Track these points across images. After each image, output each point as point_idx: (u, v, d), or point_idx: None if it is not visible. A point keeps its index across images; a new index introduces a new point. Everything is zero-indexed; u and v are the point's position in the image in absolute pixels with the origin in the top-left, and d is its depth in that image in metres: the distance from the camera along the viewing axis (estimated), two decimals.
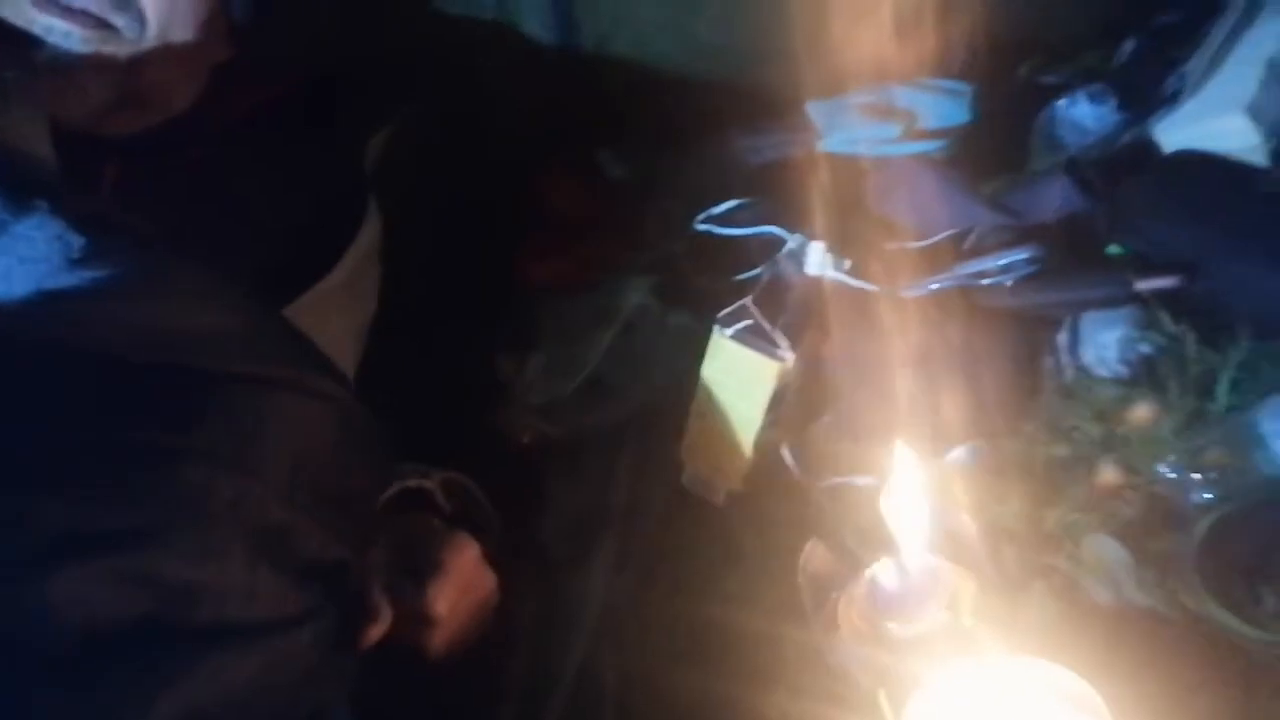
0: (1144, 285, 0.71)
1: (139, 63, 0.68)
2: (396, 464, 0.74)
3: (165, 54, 0.69)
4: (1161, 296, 0.71)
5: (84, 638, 0.46)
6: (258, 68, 0.80)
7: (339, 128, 0.88)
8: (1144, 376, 0.66)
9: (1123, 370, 0.70)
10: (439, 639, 0.66)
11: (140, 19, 0.67)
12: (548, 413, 0.93)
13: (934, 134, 1.03)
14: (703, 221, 0.97)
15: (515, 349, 0.97)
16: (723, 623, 0.71)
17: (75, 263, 0.55)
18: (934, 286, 0.80)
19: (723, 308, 0.85)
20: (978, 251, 0.80)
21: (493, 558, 0.71)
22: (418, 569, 0.65)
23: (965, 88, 1.06)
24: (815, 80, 1.09)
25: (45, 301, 0.54)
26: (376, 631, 0.61)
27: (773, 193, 0.99)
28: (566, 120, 1.12)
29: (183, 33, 0.70)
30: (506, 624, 0.71)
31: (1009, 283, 0.77)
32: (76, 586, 0.46)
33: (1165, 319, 0.68)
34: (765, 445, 0.80)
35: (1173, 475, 0.60)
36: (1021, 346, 0.75)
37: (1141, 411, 0.60)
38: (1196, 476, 0.59)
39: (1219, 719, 0.48)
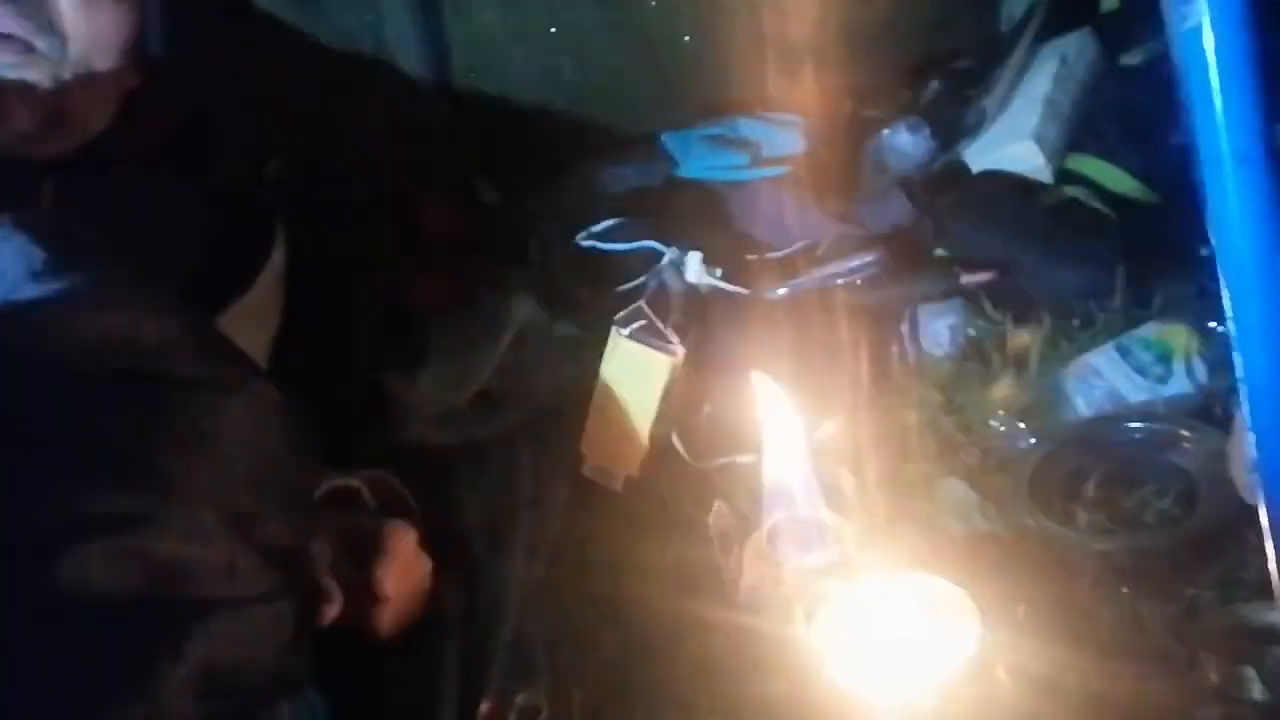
0: (967, 279, 0.86)
1: (61, 88, 0.71)
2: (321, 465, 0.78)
3: (85, 80, 0.72)
4: (981, 288, 0.86)
5: (92, 611, 0.49)
6: (164, 96, 0.83)
7: (234, 155, 0.91)
8: (972, 354, 0.80)
9: (953, 349, 0.84)
10: (385, 618, 0.71)
11: (63, 43, 0.70)
12: (444, 423, 0.99)
13: (777, 161, 1.16)
14: (583, 239, 1.06)
15: (404, 366, 1.02)
16: (633, 591, 0.79)
17: (37, 275, 0.58)
18: (795, 288, 0.92)
19: (606, 317, 0.94)
20: (829, 257, 0.93)
21: (424, 544, 0.76)
22: (363, 555, 0.70)
23: (799, 119, 1.20)
24: (669, 114, 1.21)
25: (13, 311, 0.57)
26: (331, 611, 0.66)
27: (645, 213, 1.10)
28: (440, 149, 1.18)
29: (101, 59, 0.73)
30: (439, 606, 0.77)
31: (858, 282, 0.90)
32: (80, 565, 0.50)
33: (987, 307, 0.82)
34: (658, 434, 0.89)
35: (1002, 428, 0.74)
36: (872, 335, 0.88)
37: (1000, 391, 0.73)
38: (1020, 426, 0.73)
39: (1052, 606, 0.61)
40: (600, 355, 0.90)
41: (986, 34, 1.25)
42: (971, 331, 0.83)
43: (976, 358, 0.81)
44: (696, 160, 1.18)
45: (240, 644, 0.55)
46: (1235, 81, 0.35)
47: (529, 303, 1.05)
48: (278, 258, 0.89)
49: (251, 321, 0.86)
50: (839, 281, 0.90)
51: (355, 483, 0.79)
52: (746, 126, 1.20)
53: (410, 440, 0.97)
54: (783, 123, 1.20)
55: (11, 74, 0.67)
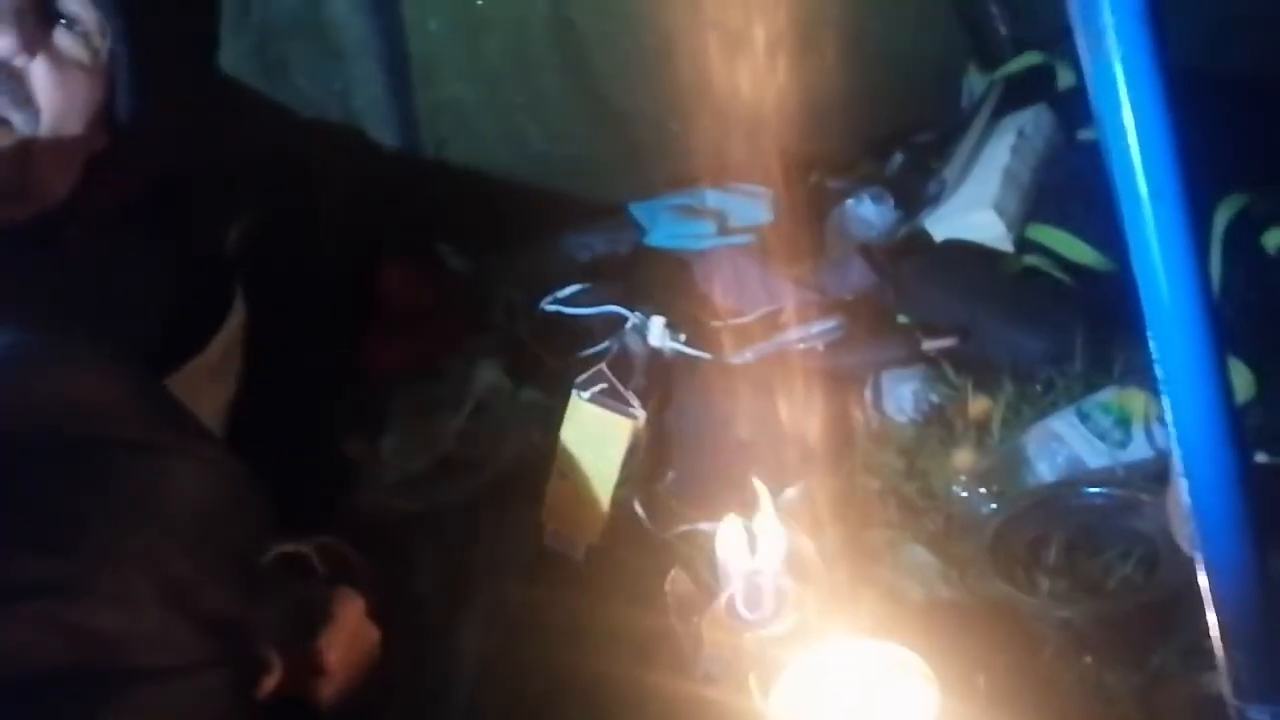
0: (929, 345, 0.86)
1: (26, 156, 0.70)
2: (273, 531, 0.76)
3: (51, 146, 0.72)
4: (943, 354, 0.86)
5: (11, 684, 0.47)
6: (128, 159, 0.83)
7: (200, 219, 0.91)
8: (935, 420, 0.80)
9: (916, 415, 0.84)
10: (328, 689, 0.68)
11: (36, 116, 0.70)
12: (404, 490, 0.97)
13: (743, 230, 1.18)
14: (548, 303, 1.06)
15: (364, 431, 1.01)
16: (592, 662, 0.77)
17: None
18: (758, 353, 0.92)
19: (572, 381, 0.94)
20: (793, 323, 0.93)
21: (373, 613, 0.74)
22: (308, 623, 0.68)
23: (764, 190, 1.21)
24: (636, 184, 1.22)
25: None
26: (271, 682, 0.63)
27: (610, 279, 1.10)
28: (407, 216, 1.19)
29: (73, 127, 0.73)
30: (385, 676, 0.74)
31: (820, 347, 0.90)
32: (3, 634, 0.48)
33: (949, 372, 0.82)
34: (619, 501, 0.88)
35: (964, 494, 0.73)
36: (834, 401, 0.88)
37: (962, 458, 0.72)
38: (982, 492, 0.72)
39: (1013, 675, 0.60)
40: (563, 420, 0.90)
41: (950, 109, 1.28)
42: (934, 397, 0.83)
43: (939, 423, 0.80)
44: (663, 229, 1.19)
45: (170, 715, 0.53)
46: (1149, 118, 0.36)
47: (493, 368, 1.04)
48: (235, 319, 0.88)
49: (209, 383, 0.85)
50: (801, 346, 0.90)
51: (305, 549, 0.77)
52: (713, 197, 1.22)
53: (372, 506, 0.95)
54: (749, 193, 1.21)
55: None
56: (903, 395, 0.86)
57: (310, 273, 1.08)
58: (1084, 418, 0.72)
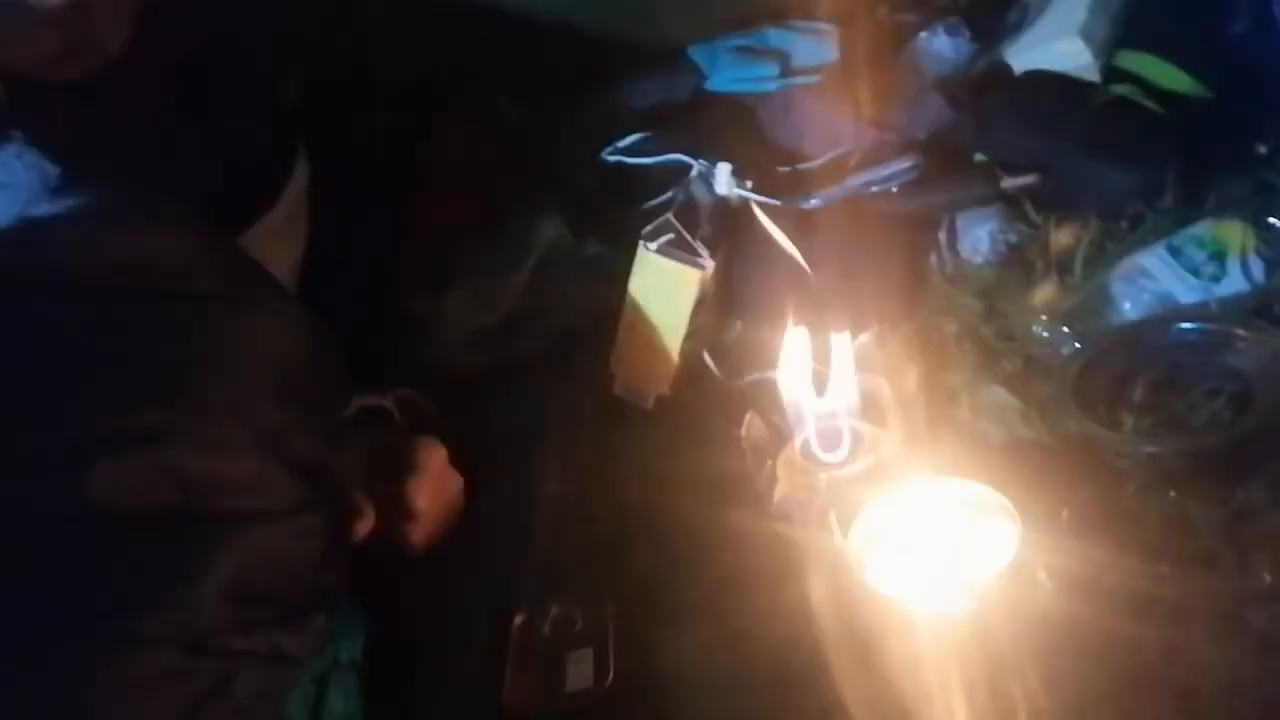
0: (1008, 184, 0.83)
1: (82, 11, 0.69)
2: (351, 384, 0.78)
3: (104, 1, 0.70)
4: (1024, 192, 0.82)
5: (126, 521, 0.50)
6: (180, 12, 0.81)
7: (256, 72, 0.89)
8: (1014, 260, 0.77)
9: (994, 257, 0.81)
10: (418, 533, 0.71)
11: None
12: (473, 344, 0.98)
13: (809, 70, 1.12)
14: (609, 153, 1.04)
15: (428, 287, 1.01)
16: (665, 504, 0.79)
17: (54, 191, 0.58)
18: (829, 198, 0.89)
19: (635, 233, 0.92)
20: (864, 164, 0.90)
21: (454, 460, 0.76)
22: (394, 470, 0.70)
23: (830, 27, 1.15)
24: (696, 26, 1.17)
25: (29, 228, 0.56)
26: (364, 527, 0.66)
27: (672, 127, 1.07)
28: (463, 69, 1.16)
29: None
30: (468, 521, 0.77)
31: (894, 189, 0.87)
32: (114, 477, 0.50)
33: (1030, 210, 0.79)
34: (689, 351, 0.88)
35: (1045, 334, 0.71)
36: (908, 243, 0.85)
37: (1043, 294, 0.70)
38: (1064, 331, 0.70)
39: (1096, 510, 0.59)
40: (629, 273, 0.89)
41: None
42: (1013, 237, 0.80)
43: (1018, 264, 0.78)
44: (725, 73, 1.14)
45: (271, 556, 0.55)
46: None
47: (555, 222, 1.03)
48: (300, 176, 0.88)
49: (277, 240, 0.85)
50: (874, 189, 0.87)
51: (384, 401, 0.79)
52: (776, 36, 1.16)
53: (440, 362, 0.97)
54: (813, 31, 1.16)
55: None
56: (979, 236, 0.83)
57: (367, 127, 1.07)
58: (1175, 252, 0.69)
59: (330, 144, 0.99)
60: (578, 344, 0.95)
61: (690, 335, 0.87)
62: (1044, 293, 0.74)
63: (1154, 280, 0.69)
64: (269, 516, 0.56)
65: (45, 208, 0.57)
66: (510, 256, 1.03)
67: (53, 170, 0.58)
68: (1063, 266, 0.76)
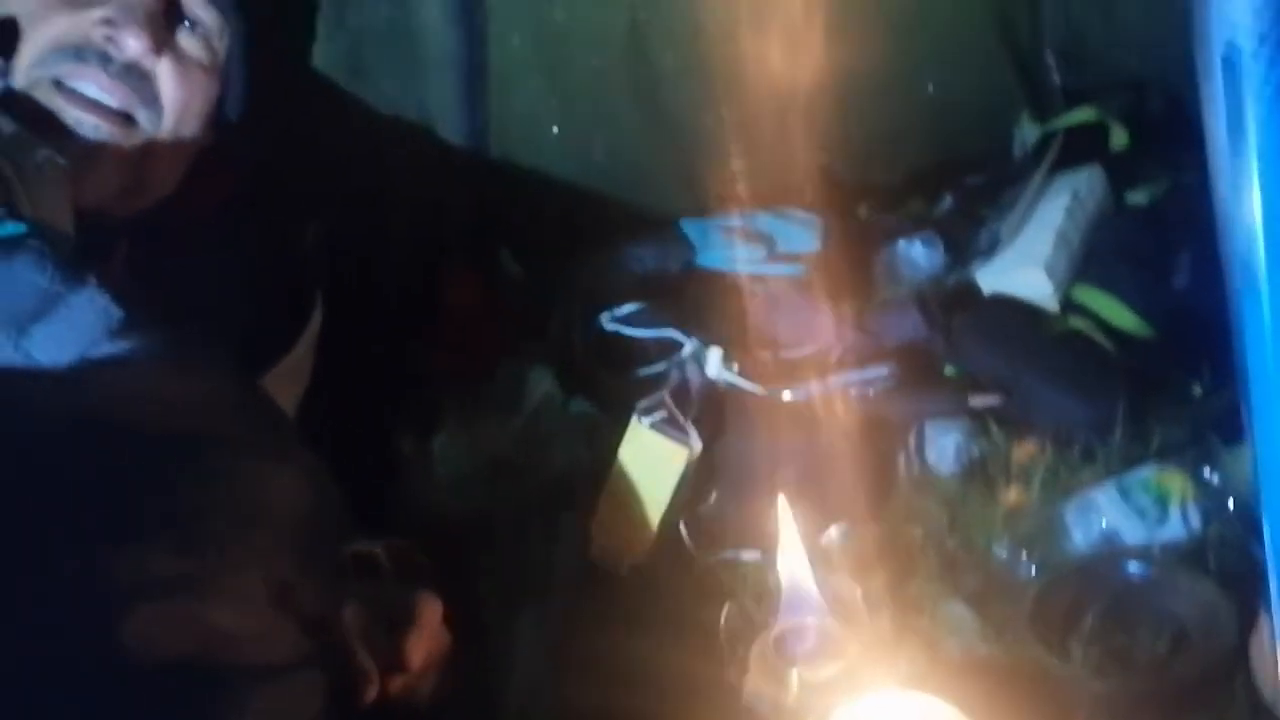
0: (975, 401, 0.90)
1: (148, 151, 0.74)
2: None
3: (169, 143, 0.75)
4: (988, 410, 0.90)
5: (149, 671, 0.51)
6: (230, 156, 0.87)
7: (288, 215, 0.94)
8: (977, 474, 0.84)
9: (958, 468, 0.88)
10: (407, 688, 0.72)
11: (160, 114, 0.73)
12: (455, 489, 1.01)
13: (792, 258, 1.21)
14: (606, 321, 1.10)
15: (418, 429, 1.05)
16: (636, 689, 0.81)
17: (114, 334, 0.61)
18: (807, 392, 0.96)
19: (623, 399, 0.98)
20: (843, 364, 0.97)
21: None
22: (391, 623, 0.72)
23: (815, 219, 1.24)
24: (688, 202, 1.26)
25: (87, 369, 0.59)
26: (372, 691, 0.67)
27: (664, 299, 1.13)
28: (470, 220, 1.22)
29: (189, 124, 0.77)
30: (446, 680, 0.78)
31: (869, 393, 0.94)
32: (142, 626, 0.52)
33: (993, 429, 0.86)
34: (666, 524, 0.92)
35: (1004, 555, 0.77)
36: (878, 446, 0.92)
37: (1013, 497, 0.77)
38: (1022, 555, 0.76)
39: None
40: (615, 437, 0.94)
41: (1000, 153, 1.31)
42: (976, 451, 0.87)
43: (981, 478, 0.84)
44: (715, 250, 1.22)
45: (279, 713, 0.57)
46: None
47: (547, 377, 1.08)
48: (316, 319, 0.92)
49: (287, 381, 0.89)
50: (851, 391, 0.94)
51: (377, 550, 0.81)
52: (763, 220, 1.25)
53: (425, 506, 0.99)
54: (799, 220, 1.24)
55: (109, 140, 0.71)
56: (946, 446, 0.89)
57: (376, 271, 1.12)
58: (1124, 493, 0.76)
59: (336, 283, 1.04)
60: (559, 500, 0.99)
61: (670, 509, 0.91)
62: (1004, 512, 0.80)
63: (1104, 515, 0.76)
64: (277, 672, 0.58)
65: (104, 349, 0.60)
66: (501, 405, 1.07)
67: (116, 314, 0.61)
68: (1021, 486, 0.82)
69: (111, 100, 0.70)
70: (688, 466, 0.89)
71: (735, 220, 1.24)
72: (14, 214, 0.62)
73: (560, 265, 1.22)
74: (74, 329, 0.59)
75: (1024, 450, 0.86)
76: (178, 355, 0.64)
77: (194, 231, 0.81)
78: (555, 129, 1.20)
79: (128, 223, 0.74)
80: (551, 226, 1.23)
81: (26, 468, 0.55)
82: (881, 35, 1.22)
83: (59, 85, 0.69)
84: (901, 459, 0.92)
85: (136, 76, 0.71)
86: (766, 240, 1.23)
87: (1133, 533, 0.75)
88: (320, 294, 0.94)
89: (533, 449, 1.03)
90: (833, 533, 0.86)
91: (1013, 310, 1.00)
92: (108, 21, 0.70)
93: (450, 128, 1.16)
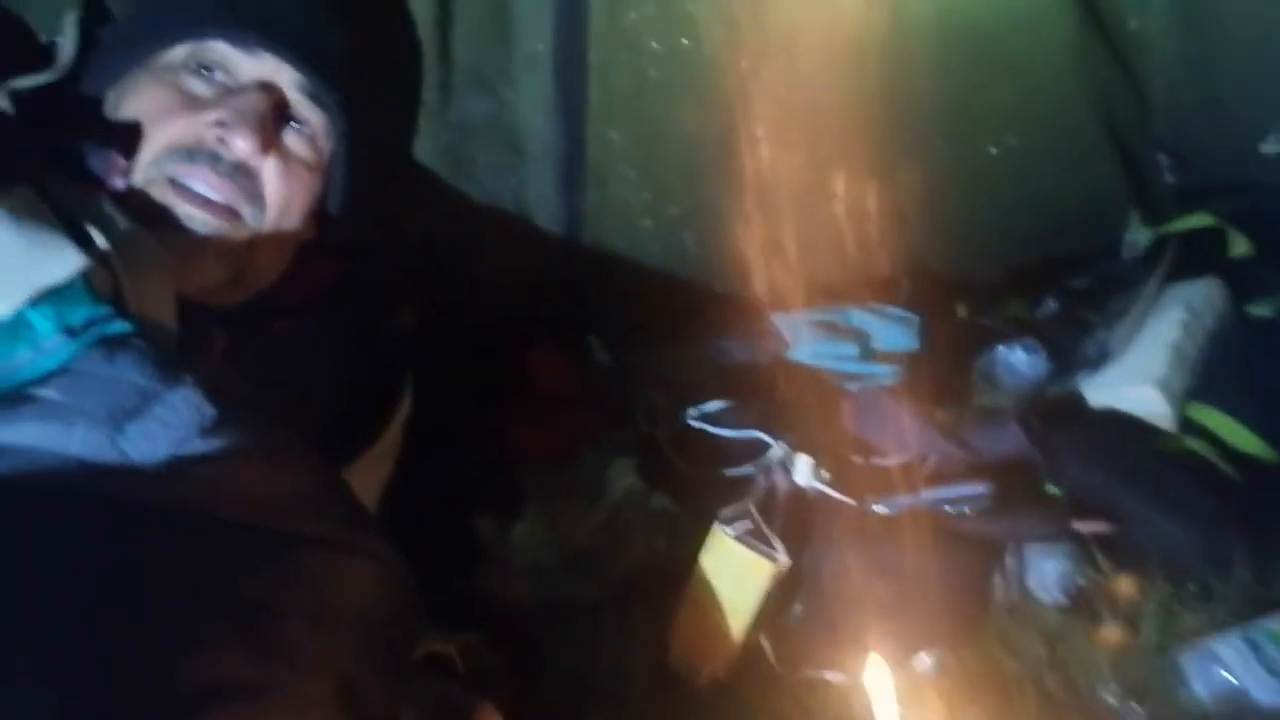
0: (1079, 526, 0.85)
1: (251, 245, 0.76)
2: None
3: (271, 237, 0.77)
4: (1093, 536, 0.85)
5: None
6: (329, 249, 0.89)
7: (383, 305, 0.96)
8: (1082, 606, 0.79)
9: (1061, 597, 0.83)
10: None
11: (263, 210, 0.76)
12: (532, 578, 1.00)
13: (887, 357, 1.18)
14: (692, 416, 1.08)
15: (498, 513, 1.04)
16: None
17: (205, 431, 0.62)
18: (900, 506, 0.92)
19: (706, 498, 0.95)
20: (938, 478, 0.93)
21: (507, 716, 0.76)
22: None
23: (913, 317, 1.21)
24: (782, 295, 1.24)
25: (178, 465, 0.60)
26: None
27: (753, 396, 1.11)
28: (560, 307, 1.23)
29: (292, 222, 0.79)
30: None
31: (966, 511, 0.89)
32: None
33: (1100, 559, 0.81)
34: (748, 636, 0.89)
35: (1111, 700, 0.72)
36: (975, 567, 0.87)
37: (1110, 634, 0.71)
38: (1134, 706, 0.71)
39: None
40: (697, 535, 0.91)
41: (1107, 255, 1.26)
42: (1081, 581, 0.82)
43: (1086, 611, 0.79)
44: (806, 345, 1.19)
45: None
46: None
47: (629, 468, 1.06)
48: (406, 404, 0.92)
49: (374, 466, 0.89)
50: (946, 507, 0.89)
51: (451, 650, 0.80)
52: (858, 317, 1.22)
53: (500, 590, 0.98)
54: (896, 317, 1.22)
55: (216, 234, 0.73)
56: (1047, 572, 0.85)
57: (466, 356, 1.13)
58: (1254, 647, 0.70)
59: (426, 368, 1.04)
60: (635, 597, 0.96)
61: (754, 622, 0.88)
62: (1111, 649, 0.75)
63: (1229, 669, 0.70)
64: None
65: (196, 446, 0.61)
66: (581, 492, 1.06)
67: (209, 412, 0.62)
68: (1130, 622, 0.77)
69: (218, 196, 0.72)
70: (773, 580, 0.85)
71: (830, 315, 1.22)
72: (120, 311, 0.63)
73: (648, 355, 1.22)
74: (168, 427, 0.60)
75: (1133, 584, 0.80)
76: (266, 452, 0.64)
77: (292, 322, 0.82)
78: (649, 220, 1.20)
79: (228, 313, 0.76)
80: (642, 315, 1.22)
81: (110, 565, 0.56)
82: (985, 129, 1.20)
83: (172, 182, 0.72)
84: (999, 583, 0.87)
85: (243, 175, 0.74)
86: (861, 337, 1.20)
87: (1265, 693, 0.68)
88: (411, 377, 0.94)
89: (612, 541, 1.02)
90: (923, 659, 0.82)
91: (1122, 428, 0.95)
92: (220, 124, 0.73)
93: (547, 217, 1.17)
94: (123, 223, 0.66)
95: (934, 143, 1.18)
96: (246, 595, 0.58)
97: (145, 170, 0.72)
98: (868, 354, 1.18)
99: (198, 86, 0.75)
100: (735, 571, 0.87)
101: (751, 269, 1.25)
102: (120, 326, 0.62)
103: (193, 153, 0.72)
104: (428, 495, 1.00)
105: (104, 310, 0.62)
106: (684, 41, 1.03)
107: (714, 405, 1.08)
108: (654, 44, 1.00)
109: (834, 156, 1.16)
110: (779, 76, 1.05)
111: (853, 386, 1.12)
